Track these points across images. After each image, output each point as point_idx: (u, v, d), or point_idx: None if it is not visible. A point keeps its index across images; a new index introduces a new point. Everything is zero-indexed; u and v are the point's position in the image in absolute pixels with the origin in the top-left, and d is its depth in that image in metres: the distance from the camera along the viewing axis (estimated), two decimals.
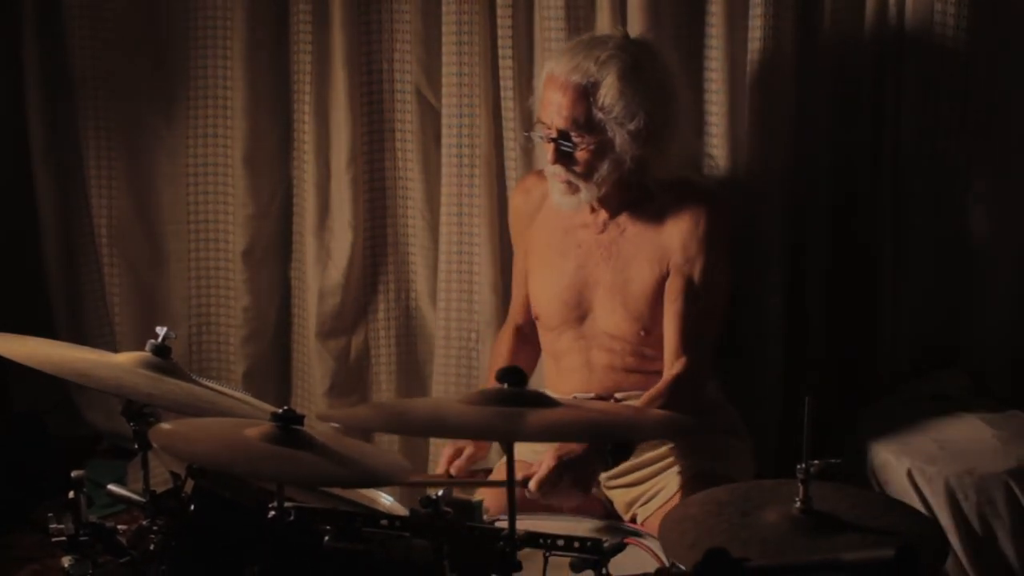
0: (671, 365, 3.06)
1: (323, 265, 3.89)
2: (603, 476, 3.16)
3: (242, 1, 3.86)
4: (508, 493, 2.27)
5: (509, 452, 2.28)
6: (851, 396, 3.45)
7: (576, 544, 2.29)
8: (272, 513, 2.32)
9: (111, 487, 2.63)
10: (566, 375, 3.20)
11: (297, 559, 2.30)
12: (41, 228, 4.12)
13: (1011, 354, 3.42)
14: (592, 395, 3.14)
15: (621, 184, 3.09)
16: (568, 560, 2.29)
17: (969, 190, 3.37)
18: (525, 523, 2.42)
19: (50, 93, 4.05)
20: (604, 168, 3.04)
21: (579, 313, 3.17)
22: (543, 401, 2.36)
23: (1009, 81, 3.33)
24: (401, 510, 2.59)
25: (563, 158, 3.04)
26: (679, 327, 3.06)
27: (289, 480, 2.36)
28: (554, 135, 3.03)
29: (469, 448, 3.09)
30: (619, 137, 3.00)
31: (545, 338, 3.26)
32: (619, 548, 2.31)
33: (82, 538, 2.48)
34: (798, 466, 2.23)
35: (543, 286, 3.22)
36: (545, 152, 3.09)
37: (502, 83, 3.61)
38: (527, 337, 3.32)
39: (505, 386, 2.33)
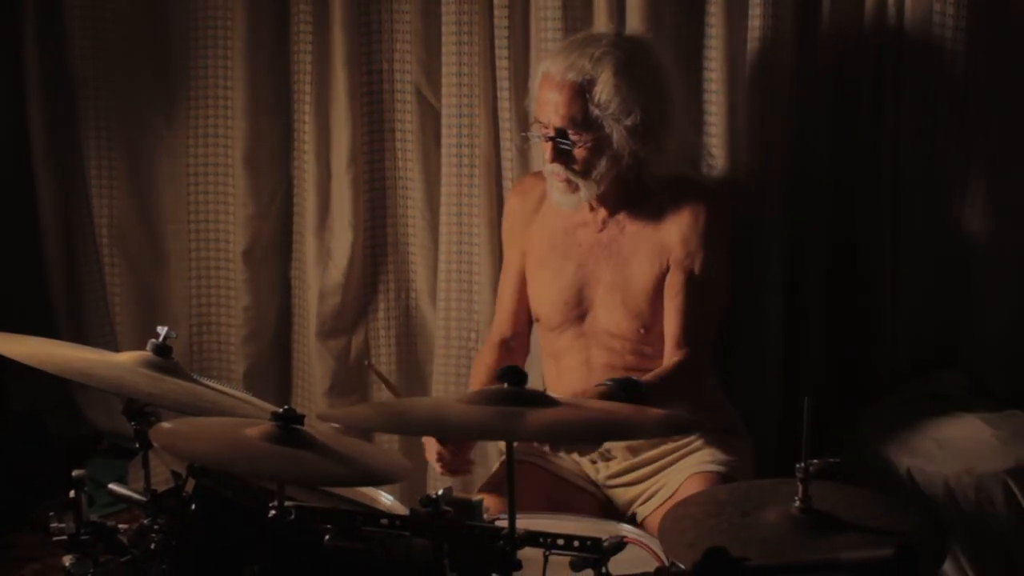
0: (671, 356, 3.06)
1: (323, 265, 3.89)
2: (603, 476, 3.16)
3: (242, 1, 3.86)
4: (508, 492, 2.27)
5: (509, 452, 2.28)
6: (851, 396, 3.45)
7: (576, 543, 2.30)
8: (273, 512, 2.32)
9: (112, 486, 2.64)
10: (565, 374, 3.20)
11: (298, 558, 2.30)
12: (42, 228, 4.13)
13: (1010, 354, 3.42)
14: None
15: (620, 181, 3.09)
16: (568, 559, 2.30)
17: (968, 190, 3.37)
18: (525, 522, 2.42)
19: (51, 93, 4.06)
20: (602, 165, 3.05)
21: (579, 312, 3.17)
22: (543, 400, 2.36)
23: (1008, 81, 3.33)
24: (401, 509, 2.60)
25: (561, 156, 3.04)
26: (679, 322, 3.06)
27: (289, 479, 2.36)
28: (551, 134, 3.04)
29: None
30: (616, 133, 3.01)
31: (544, 338, 3.26)
32: (619, 547, 2.31)
33: (83, 537, 2.48)
34: (797, 465, 2.23)
35: (543, 286, 3.22)
36: (542, 152, 3.10)
37: (499, 83, 3.61)
38: (512, 351, 3.29)
39: (505, 385, 2.34)
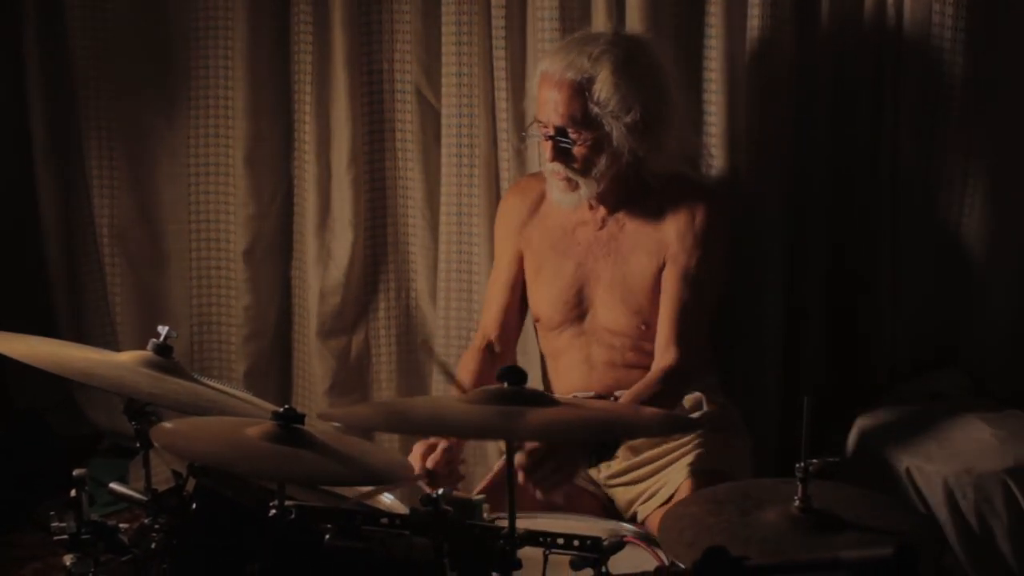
0: (661, 356, 3.07)
1: (324, 265, 3.89)
2: (604, 475, 3.17)
3: (243, 2, 3.87)
4: (508, 492, 2.27)
5: (509, 451, 2.29)
6: (850, 396, 3.45)
7: (576, 542, 2.30)
8: (273, 512, 2.32)
9: (113, 485, 2.64)
10: (565, 373, 3.21)
11: (298, 557, 2.30)
12: (43, 228, 4.13)
13: (1010, 354, 3.42)
14: (592, 394, 3.14)
15: (619, 179, 3.10)
16: (568, 558, 2.30)
17: (968, 190, 3.37)
18: (525, 522, 2.42)
19: (52, 93, 4.06)
20: (602, 163, 3.05)
21: (579, 311, 3.18)
22: (542, 400, 2.37)
23: (1008, 81, 3.33)
24: (401, 508, 2.60)
25: (561, 155, 3.05)
26: (673, 318, 3.07)
27: (290, 479, 2.36)
28: (551, 132, 3.04)
29: (443, 442, 2.93)
30: (615, 131, 3.02)
31: (544, 337, 3.26)
32: (618, 546, 2.31)
33: (84, 536, 2.48)
34: (797, 465, 2.24)
35: (543, 286, 3.22)
36: (541, 152, 3.10)
37: (496, 84, 3.62)
38: (496, 357, 3.24)
39: (505, 385, 2.34)
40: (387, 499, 2.74)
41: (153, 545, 2.48)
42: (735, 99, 3.39)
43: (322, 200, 3.87)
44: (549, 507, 2.89)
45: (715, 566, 1.77)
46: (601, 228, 3.17)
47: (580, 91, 3.01)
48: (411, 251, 3.88)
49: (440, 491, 2.28)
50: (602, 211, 3.16)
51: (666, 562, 2.38)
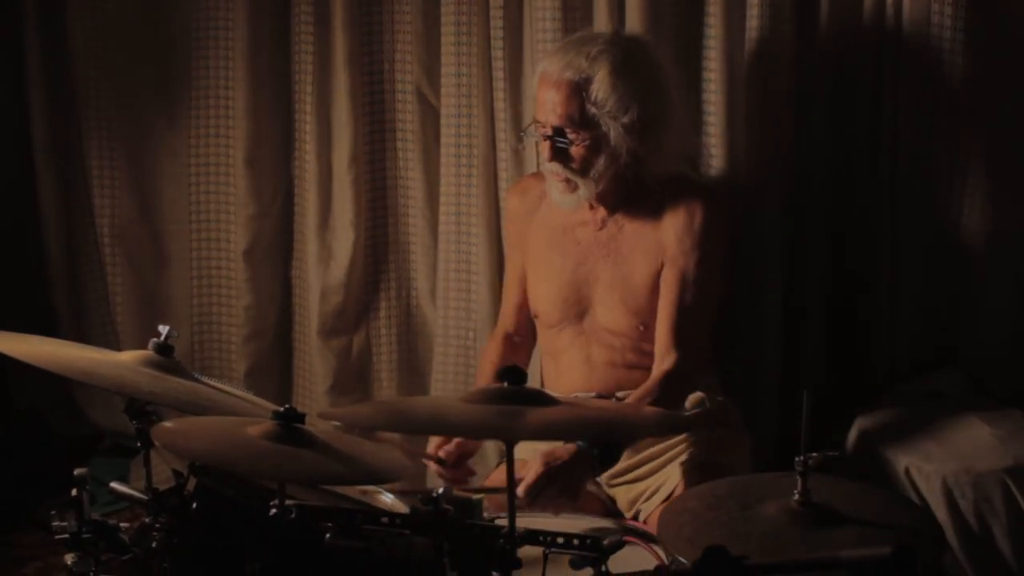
0: (662, 359, 3.07)
1: (325, 264, 3.90)
2: (604, 475, 3.17)
3: (244, 2, 3.87)
4: (508, 491, 2.27)
5: (509, 451, 2.29)
6: (850, 395, 3.45)
7: (576, 542, 2.30)
8: (273, 511, 2.32)
9: (113, 485, 2.64)
10: (565, 373, 3.21)
11: (298, 557, 2.31)
12: (43, 227, 4.13)
13: (1010, 354, 3.42)
14: (593, 394, 3.15)
15: (618, 180, 3.10)
16: (568, 557, 2.30)
17: (967, 189, 3.37)
18: (525, 521, 2.42)
19: (52, 93, 4.06)
20: (600, 163, 3.05)
21: (579, 310, 3.18)
22: (543, 399, 2.37)
23: (1007, 80, 3.33)
24: (402, 508, 2.60)
25: (559, 155, 3.05)
26: (672, 319, 3.07)
27: (290, 478, 2.37)
28: (549, 133, 3.04)
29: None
30: (613, 131, 3.02)
31: (544, 336, 3.27)
32: (618, 546, 2.31)
33: (85, 536, 2.48)
34: (796, 459, 2.24)
35: (542, 284, 3.23)
36: (539, 152, 3.10)
37: (494, 84, 3.62)
38: (516, 346, 3.32)
39: (505, 384, 2.34)
40: (387, 499, 2.74)
41: (154, 544, 2.48)
42: (735, 99, 3.39)
43: (323, 200, 3.88)
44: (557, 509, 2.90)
45: (715, 565, 1.77)
46: (601, 229, 3.17)
47: (577, 91, 3.02)
48: (412, 250, 3.89)
49: (440, 491, 2.29)
50: (602, 212, 3.17)
51: (666, 561, 2.38)
